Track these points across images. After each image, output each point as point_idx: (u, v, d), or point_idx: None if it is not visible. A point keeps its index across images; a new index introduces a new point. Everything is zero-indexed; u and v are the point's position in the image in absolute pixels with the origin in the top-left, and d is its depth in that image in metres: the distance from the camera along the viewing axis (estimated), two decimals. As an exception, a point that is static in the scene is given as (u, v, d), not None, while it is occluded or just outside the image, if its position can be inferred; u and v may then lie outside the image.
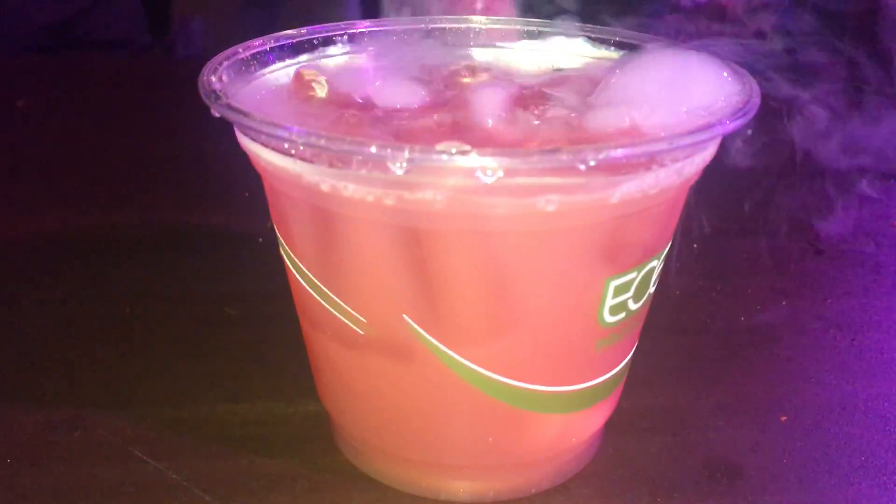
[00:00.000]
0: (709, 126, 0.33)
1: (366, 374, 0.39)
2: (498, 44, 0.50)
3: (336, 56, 0.47)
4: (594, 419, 0.42)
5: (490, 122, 0.37)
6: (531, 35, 0.49)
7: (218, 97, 0.35)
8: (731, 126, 0.33)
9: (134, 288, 0.59)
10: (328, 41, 0.47)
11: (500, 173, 0.30)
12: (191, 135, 0.67)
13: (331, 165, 0.32)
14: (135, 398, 0.48)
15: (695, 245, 0.66)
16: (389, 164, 0.30)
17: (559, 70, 0.48)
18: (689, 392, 0.50)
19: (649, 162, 0.32)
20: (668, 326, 0.55)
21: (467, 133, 0.36)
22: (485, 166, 0.30)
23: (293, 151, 0.33)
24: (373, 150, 0.30)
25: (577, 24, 0.48)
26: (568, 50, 0.48)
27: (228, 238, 0.66)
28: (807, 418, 0.47)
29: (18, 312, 0.57)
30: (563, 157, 0.30)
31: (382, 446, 0.41)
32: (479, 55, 0.49)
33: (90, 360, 0.51)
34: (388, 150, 0.30)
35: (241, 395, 0.48)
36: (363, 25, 0.48)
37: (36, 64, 1.13)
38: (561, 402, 0.39)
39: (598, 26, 0.48)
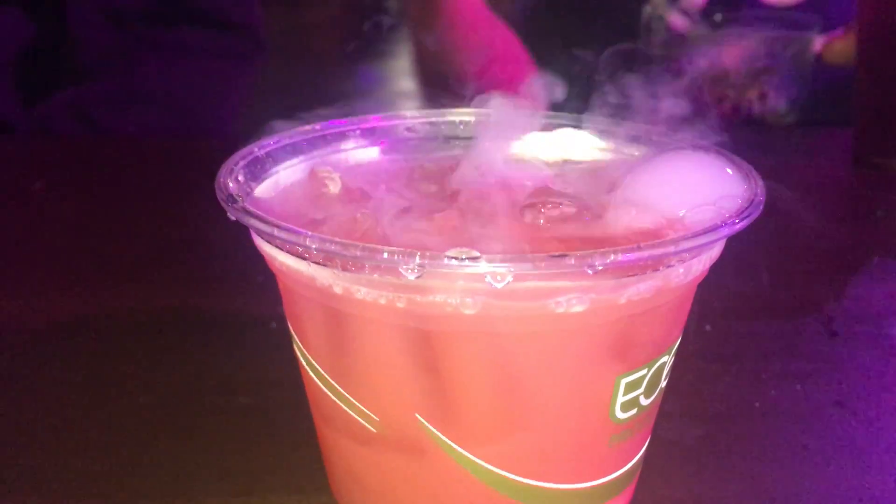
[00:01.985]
0: (714, 228, 0.33)
1: (379, 470, 0.39)
2: (506, 135, 0.51)
3: (349, 151, 0.48)
4: (608, 514, 0.42)
5: (502, 224, 0.37)
6: (538, 127, 0.50)
7: (234, 200, 0.36)
8: (737, 227, 0.34)
9: (148, 375, 0.60)
10: (341, 136, 0.48)
11: (510, 279, 0.31)
12: (204, 217, 0.68)
13: (344, 269, 0.33)
14: (152, 493, 0.48)
15: (707, 327, 0.66)
16: (401, 270, 0.31)
17: (568, 162, 0.48)
18: (704, 482, 0.49)
19: (656, 264, 0.33)
20: (684, 412, 0.55)
21: (479, 236, 0.36)
22: (494, 272, 0.31)
23: (307, 255, 0.34)
24: (384, 256, 0.31)
25: (584, 116, 0.50)
26: (575, 142, 0.49)
27: (241, 322, 0.67)
28: (822, 510, 0.47)
29: (30, 403, 0.57)
30: (571, 261, 0.31)
31: (395, 543, 0.41)
32: (488, 147, 0.50)
33: (106, 451, 0.51)
34: (400, 257, 0.31)
35: (255, 488, 0.48)
36: (375, 120, 0.50)
37: (53, 146, 1.16)
38: (574, 500, 0.39)
39: (604, 118, 0.49)
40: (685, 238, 0.32)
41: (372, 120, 0.49)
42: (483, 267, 0.30)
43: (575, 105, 0.50)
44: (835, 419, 0.55)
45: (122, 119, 1.21)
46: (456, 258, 0.31)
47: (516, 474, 0.37)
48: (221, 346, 0.64)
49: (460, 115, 0.51)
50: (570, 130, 0.50)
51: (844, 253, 0.83)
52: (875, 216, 0.94)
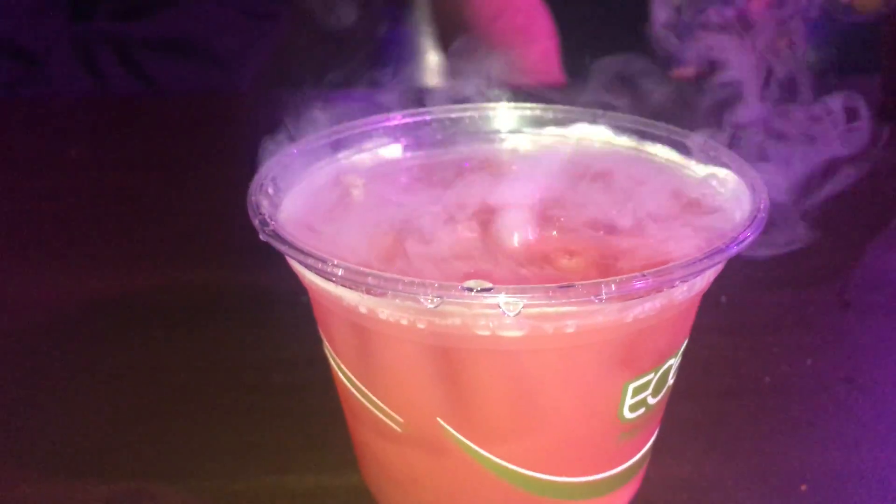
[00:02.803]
0: (718, 251, 0.35)
1: (404, 464, 0.42)
2: (524, 130, 0.52)
3: (372, 150, 0.50)
4: (620, 500, 0.45)
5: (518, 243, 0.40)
6: (556, 122, 0.52)
7: (265, 224, 0.38)
8: (739, 248, 0.36)
9: (185, 355, 0.63)
10: (364, 136, 0.50)
11: (521, 308, 0.33)
12: (236, 186, 0.71)
13: (368, 293, 0.35)
14: (191, 470, 0.52)
15: (723, 298, 0.68)
16: (421, 299, 0.33)
17: (583, 158, 0.50)
18: (712, 460, 0.52)
19: (661, 288, 0.35)
20: (695, 390, 0.57)
21: (497, 255, 0.39)
22: (507, 302, 0.33)
23: (333, 280, 0.36)
24: (403, 287, 0.33)
25: (599, 111, 0.51)
26: (590, 136, 0.51)
27: (273, 299, 0.70)
28: (827, 487, 0.49)
29: (73, 383, 0.60)
30: (580, 290, 0.33)
31: (421, 529, 0.44)
32: (507, 142, 0.52)
33: (147, 432, 0.55)
34: (418, 288, 0.33)
35: (290, 466, 0.52)
36: (397, 118, 0.51)
37: (87, 108, 1.18)
38: (586, 490, 0.42)
39: (619, 114, 0.50)
40: (689, 263, 0.34)
41: (395, 118, 0.51)
42: (496, 298, 0.33)
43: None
44: (842, 395, 0.57)
45: (165, 68, 1.23)
46: (471, 289, 0.33)
47: (530, 470, 0.40)
48: (254, 324, 0.67)
49: (480, 111, 0.52)
50: (585, 125, 0.51)
51: (864, 215, 0.84)
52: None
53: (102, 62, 1.21)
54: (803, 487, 0.50)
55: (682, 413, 0.53)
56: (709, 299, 0.43)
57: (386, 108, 0.52)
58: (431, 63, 1.38)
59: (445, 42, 1.31)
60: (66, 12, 1.22)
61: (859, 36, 1.18)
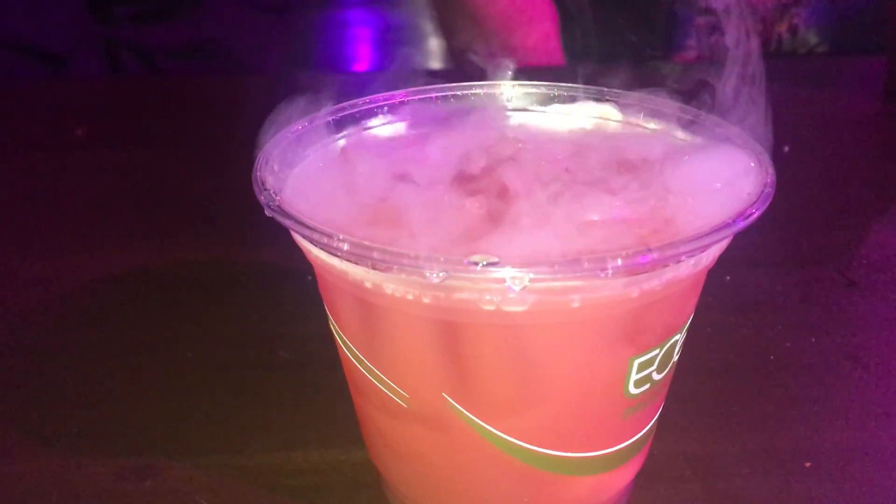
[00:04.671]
0: (725, 226, 0.35)
1: (409, 440, 0.42)
2: (530, 108, 0.52)
3: (378, 126, 0.50)
4: (624, 476, 0.45)
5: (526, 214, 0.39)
6: (561, 99, 0.52)
7: (271, 199, 0.38)
8: (747, 221, 0.36)
9: (192, 331, 0.63)
10: (369, 113, 0.50)
11: (527, 282, 0.33)
12: (243, 166, 0.71)
13: (373, 268, 0.36)
14: (198, 446, 0.52)
15: (727, 277, 0.68)
16: (426, 274, 0.33)
17: (589, 135, 0.50)
18: (717, 437, 0.52)
19: (668, 262, 0.35)
20: (700, 366, 0.57)
21: (502, 223, 0.38)
22: (513, 276, 0.33)
23: (339, 255, 0.36)
24: (409, 260, 0.33)
25: (605, 89, 0.51)
26: (596, 114, 0.51)
27: (280, 276, 0.70)
28: (830, 464, 0.50)
29: (81, 359, 0.61)
30: (585, 265, 0.33)
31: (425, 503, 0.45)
32: (513, 119, 0.52)
33: (156, 407, 0.56)
34: (424, 262, 0.33)
35: (296, 442, 0.52)
36: (402, 95, 0.51)
37: (97, 88, 1.18)
38: (590, 466, 0.42)
39: (626, 92, 0.50)
40: (696, 237, 0.34)
41: (399, 95, 0.51)
42: (502, 272, 0.33)
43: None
44: (846, 372, 0.58)
45: (187, 69, 1.25)
46: (476, 263, 0.33)
47: (535, 445, 0.40)
48: (262, 299, 0.67)
49: (484, 87, 0.52)
50: (591, 103, 0.51)
51: (869, 195, 0.84)
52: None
53: (126, 65, 1.23)
54: (807, 464, 0.50)
55: (686, 391, 0.53)
56: (713, 277, 0.43)
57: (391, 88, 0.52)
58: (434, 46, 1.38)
59: (445, 26, 1.30)
60: (90, 15, 1.24)
61: (866, 16, 1.17)
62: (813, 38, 1.21)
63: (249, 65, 1.31)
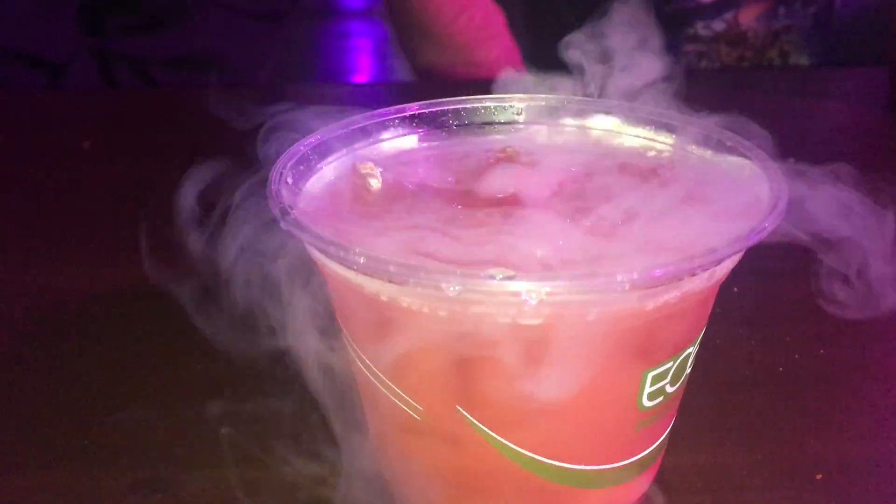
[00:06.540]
0: (739, 240, 0.35)
1: (422, 453, 0.42)
2: (541, 121, 0.53)
3: (390, 139, 0.51)
4: (637, 488, 0.45)
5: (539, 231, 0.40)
6: (572, 113, 0.52)
7: (286, 213, 0.38)
8: (759, 237, 0.36)
9: (201, 343, 0.63)
10: (381, 126, 0.50)
11: (543, 296, 0.33)
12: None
13: (389, 281, 0.36)
14: (210, 459, 0.52)
15: (735, 289, 0.68)
16: (443, 287, 0.34)
17: (598, 148, 0.50)
18: (727, 449, 0.52)
19: (683, 276, 0.35)
20: (709, 379, 0.57)
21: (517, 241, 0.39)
22: (529, 290, 0.33)
23: (355, 268, 0.36)
24: (426, 274, 0.34)
25: (615, 102, 0.51)
26: (606, 127, 0.51)
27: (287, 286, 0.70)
28: (841, 476, 0.50)
29: (92, 372, 0.61)
30: (601, 278, 0.33)
31: (439, 517, 0.45)
32: (521, 133, 0.52)
33: (167, 419, 0.55)
34: (440, 276, 0.33)
35: (309, 455, 0.52)
36: (414, 108, 0.51)
37: (100, 100, 1.18)
38: (604, 478, 0.42)
39: (635, 104, 0.50)
40: (710, 252, 0.35)
41: (411, 108, 0.51)
42: (518, 285, 0.33)
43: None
44: (855, 384, 0.58)
45: (176, 79, 1.25)
46: (493, 277, 0.33)
47: (549, 458, 0.40)
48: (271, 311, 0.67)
49: (496, 101, 0.52)
50: (601, 116, 0.51)
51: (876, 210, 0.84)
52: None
53: (120, 76, 1.24)
54: (818, 476, 0.50)
55: (696, 402, 0.53)
56: (722, 289, 0.43)
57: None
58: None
59: (409, 47, 1.29)
60: (82, 25, 1.24)
61: (856, 34, 1.18)
62: (804, 61, 1.22)
63: (243, 75, 1.32)
